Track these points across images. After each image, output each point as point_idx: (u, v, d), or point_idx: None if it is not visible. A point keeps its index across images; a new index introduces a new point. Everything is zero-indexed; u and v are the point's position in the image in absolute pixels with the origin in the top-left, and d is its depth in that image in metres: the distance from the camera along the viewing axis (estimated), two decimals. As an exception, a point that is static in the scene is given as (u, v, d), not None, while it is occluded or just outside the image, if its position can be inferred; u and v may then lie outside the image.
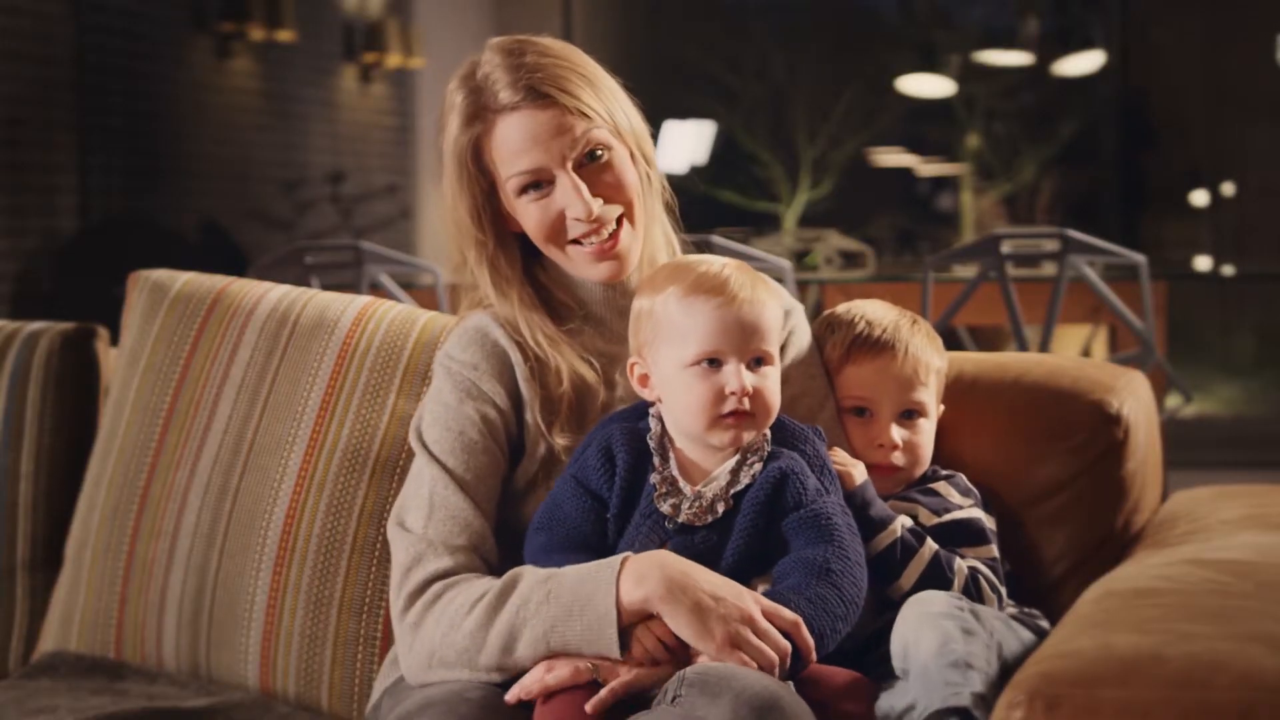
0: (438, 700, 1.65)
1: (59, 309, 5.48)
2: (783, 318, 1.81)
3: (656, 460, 1.76)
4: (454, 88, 1.87)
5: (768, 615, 1.65)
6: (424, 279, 5.36)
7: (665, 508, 1.73)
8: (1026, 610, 1.87)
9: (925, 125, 8.67)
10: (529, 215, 1.84)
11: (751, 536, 1.72)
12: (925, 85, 8.43)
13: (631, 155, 1.88)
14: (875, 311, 1.97)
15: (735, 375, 1.72)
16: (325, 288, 3.90)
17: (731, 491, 1.73)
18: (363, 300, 2.16)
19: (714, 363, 1.73)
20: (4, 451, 2.24)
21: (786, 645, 1.64)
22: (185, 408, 2.13)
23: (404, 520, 1.81)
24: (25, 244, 5.90)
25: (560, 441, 1.83)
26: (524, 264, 1.91)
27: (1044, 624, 1.85)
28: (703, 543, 1.72)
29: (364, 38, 8.10)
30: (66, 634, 2.12)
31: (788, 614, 1.66)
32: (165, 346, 2.18)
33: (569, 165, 1.82)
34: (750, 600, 1.65)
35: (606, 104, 1.85)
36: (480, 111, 1.84)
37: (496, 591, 1.70)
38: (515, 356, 1.85)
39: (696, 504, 1.73)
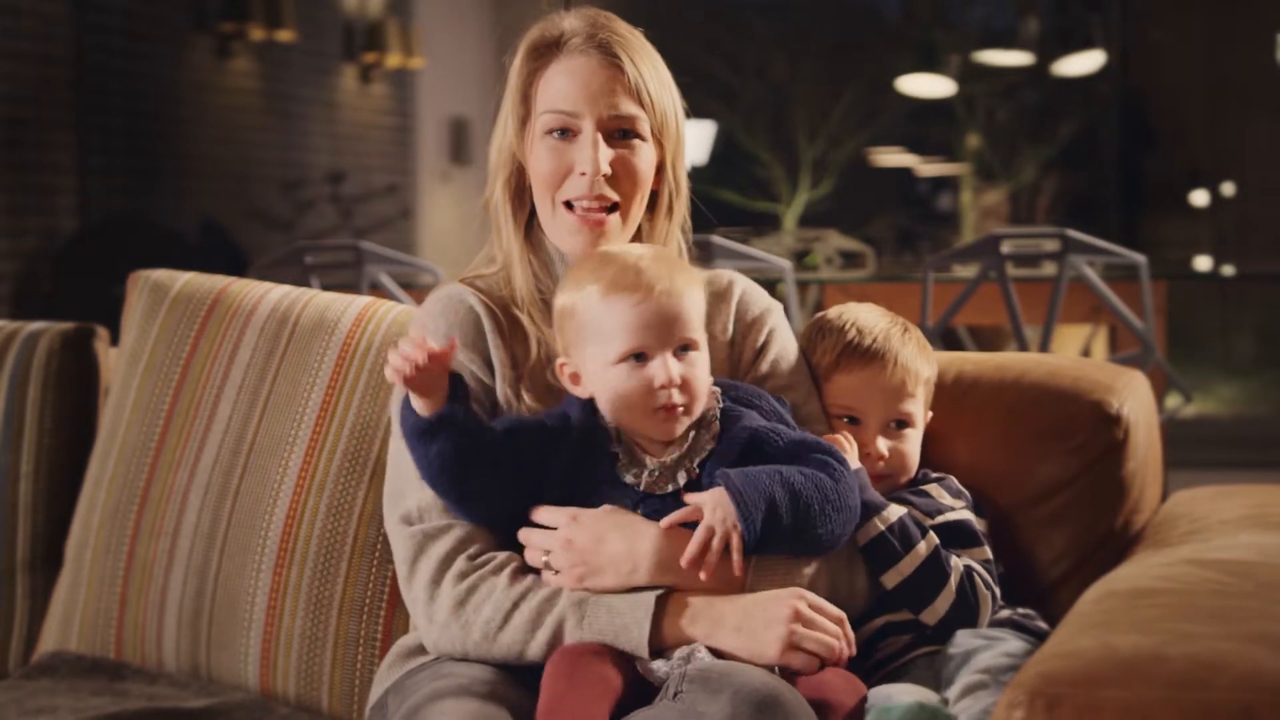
0: (446, 692, 1.65)
1: (59, 309, 5.48)
2: (704, 302, 1.80)
3: (613, 433, 1.77)
4: (533, 28, 1.89)
5: (812, 608, 1.67)
6: (424, 279, 5.36)
7: (628, 478, 1.75)
8: (1022, 611, 1.87)
9: (925, 125, 8.68)
10: (542, 157, 1.85)
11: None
12: (925, 85, 8.43)
13: (660, 165, 1.88)
14: (867, 318, 1.97)
15: (663, 368, 1.72)
16: (325, 288, 3.89)
17: (696, 460, 1.74)
18: (363, 301, 2.16)
19: (640, 357, 1.73)
20: (4, 451, 2.24)
21: (840, 614, 1.68)
22: (185, 408, 2.13)
23: (406, 507, 1.82)
24: (25, 244, 5.90)
25: (529, 402, 1.84)
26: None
27: (1041, 625, 1.85)
28: (673, 510, 1.72)
29: (364, 38, 8.10)
30: (66, 634, 2.12)
31: (832, 609, 1.69)
32: (165, 347, 2.18)
33: (599, 124, 1.83)
34: (791, 595, 1.67)
35: (663, 102, 1.86)
36: (548, 48, 1.86)
37: (531, 611, 1.71)
38: (487, 323, 1.86)
39: (658, 473, 1.74)
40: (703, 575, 1.68)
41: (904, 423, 1.93)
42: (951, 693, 1.70)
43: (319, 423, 2.06)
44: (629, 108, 1.83)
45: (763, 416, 1.79)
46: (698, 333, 1.76)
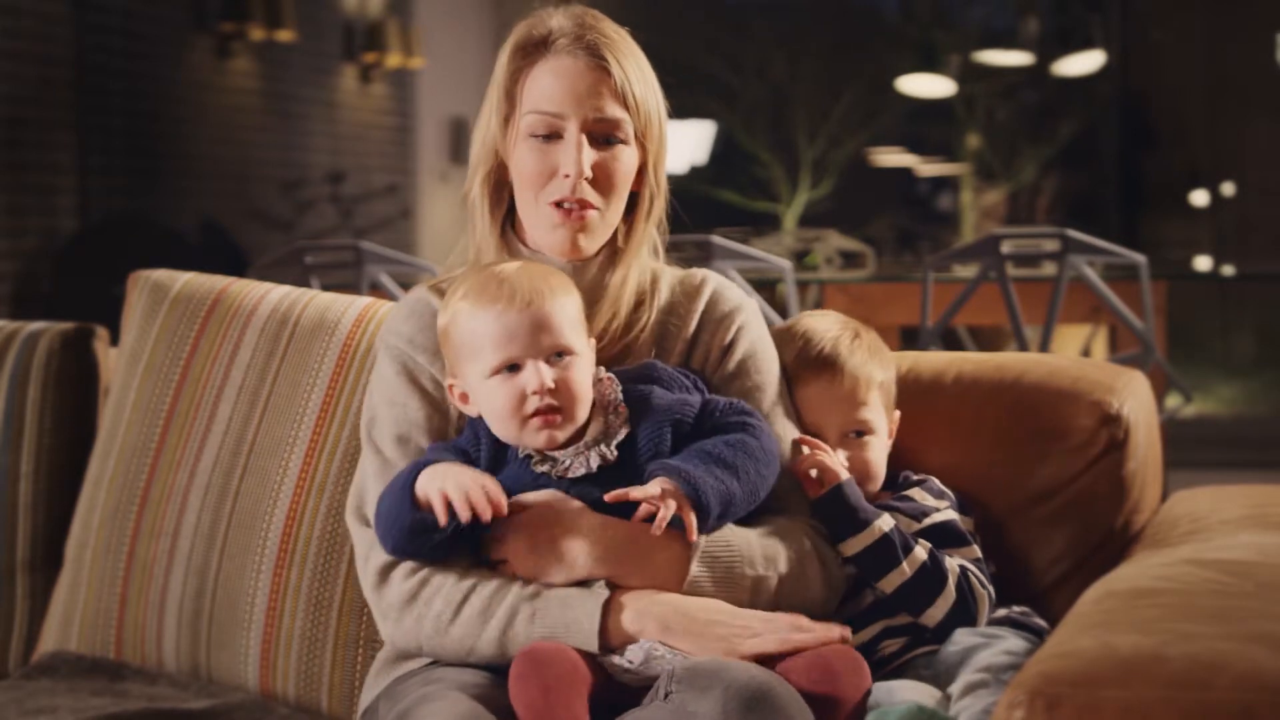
0: (435, 696, 1.66)
1: (59, 309, 5.48)
2: (578, 309, 1.80)
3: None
4: (520, 25, 1.89)
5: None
6: (424, 279, 5.37)
7: (543, 468, 1.75)
8: (1018, 609, 1.87)
9: (925, 125, 8.68)
10: (524, 158, 1.84)
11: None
12: (925, 85, 8.43)
13: (642, 167, 1.88)
14: (817, 327, 1.96)
15: (534, 374, 1.73)
16: (325, 288, 3.89)
17: (613, 443, 1.75)
18: (363, 301, 2.16)
19: (514, 368, 1.74)
20: (4, 451, 2.24)
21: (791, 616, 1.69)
22: (185, 408, 2.13)
23: (365, 513, 1.84)
24: (25, 244, 5.90)
25: None
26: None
27: (1038, 621, 1.86)
28: (600, 494, 1.73)
29: (364, 38, 8.11)
30: (67, 634, 2.12)
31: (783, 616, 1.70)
32: (165, 347, 2.18)
33: (584, 126, 1.83)
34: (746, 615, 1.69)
35: (648, 105, 1.87)
36: (535, 47, 1.86)
37: (481, 602, 1.72)
38: None
39: (569, 462, 1.75)
40: (655, 531, 1.68)
41: (862, 431, 1.92)
42: (953, 690, 1.71)
43: (319, 423, 2.06)
44: (614, 110, 1.83)
45: (665, 389, 1.80)
46: (571, 339, 1.76)
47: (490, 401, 1.76)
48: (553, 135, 1.83)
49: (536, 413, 1.73)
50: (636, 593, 1.71)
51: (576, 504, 1.74)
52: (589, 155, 1.82)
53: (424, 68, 8.44)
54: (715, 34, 8.64)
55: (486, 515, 1.68)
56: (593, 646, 1.67)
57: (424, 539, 1.73)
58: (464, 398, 1.80)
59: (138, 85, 6.60)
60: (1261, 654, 1.38)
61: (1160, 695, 1.36)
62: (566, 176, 1.82)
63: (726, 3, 9.26)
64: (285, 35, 7.19)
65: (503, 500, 1.70)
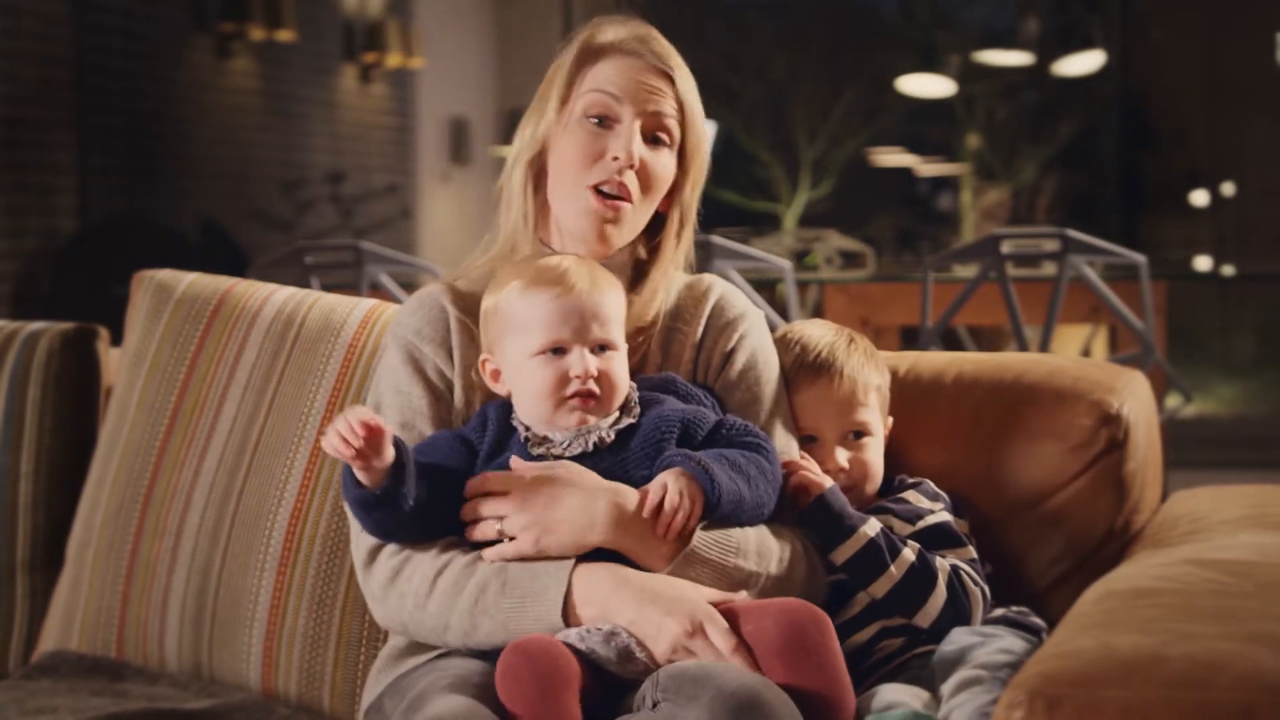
0: (439, 687, 1.67)
1: (59, 309, 5.48)
2: (624, 308, 1.83)
3: (522, 429, 1.80)
4: (583, 30, 1.92)
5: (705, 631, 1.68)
6: (424, 279, 5.36)
7: (539, 450, 1.78)
8: (1016, 609, 1.87)
9: (925, 125, 8.68)
10: (574, 137, 1.87)
11: (653, 467, 1.76)
12: (925, 85, 8.43)
13: (676, 188, 1.91)
14: (812, 333, 1.98)
15: (579, 360, 1.76)
16: (325, 288, 3.89)
17: (615, 428, 1.78)
18: (368, 304, 2.16)
19: (559, 351, 1.77)
20: (4, 451, 2.24)
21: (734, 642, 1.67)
22: (190, 409, 2.14)
23: None
24: (25, 244, 5.90)
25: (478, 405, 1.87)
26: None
27: (1035, 620, 1.86)
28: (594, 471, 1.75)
29: (364, 38, 8.11)
30: (68, 633, 2.12)
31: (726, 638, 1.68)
32: (170, 347, 2.18)
33: (639, 116, 1.86)
34: (694, 610, 1.68)
35: (698, 127, 1.91)
36: (600, 50, 1.89)
37: (453, 576, 1.74)
38: (454, 324, 1.89)
39: (569, 442, 1.77)
40: (667, 535, 1.71)
41: (861, 432, 1.94)
42: (946, 688, 1.71)
43: (324, 424, 2.06)
44: (671, 110, 1.88)
45: (680, 400, 1.82)
46: (616, 335, 1.80)
47: (529, 379, 1.78)
48: (607, 119, 1.86)
49: (575, 395, 1.76)
50: (600, 565, 1.71)
51: (590, 473, 1.74)
52: (640, 146, 1.86)
53: (424, 68, 8.43)
54: (715, 34, 8.65)
55: (358, 442, 1.67)
56: (556, 614, 1.68)
57: (377, 514, 1.74)
58: (495, 375, 1.83)
59: (138, 85, 6.60)
60: (1261, 654, 1.38)
61: (1160, 695, 1.36)
62: (615, 159, 1.85)
63: (726, 3, 9.26)
64: (285, 35, 7.19)
65: (369, 420, 1.68)
